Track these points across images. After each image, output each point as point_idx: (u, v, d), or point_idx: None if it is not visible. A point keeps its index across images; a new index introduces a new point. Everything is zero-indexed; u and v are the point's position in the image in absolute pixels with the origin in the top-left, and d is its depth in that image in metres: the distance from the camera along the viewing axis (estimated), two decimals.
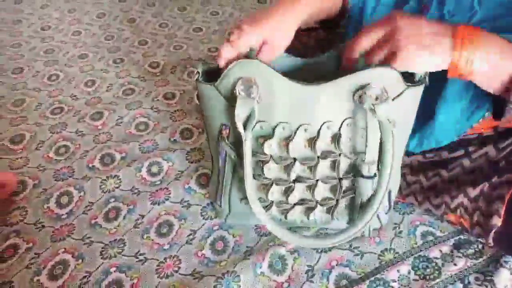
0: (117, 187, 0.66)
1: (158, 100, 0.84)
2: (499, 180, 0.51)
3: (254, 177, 0.48)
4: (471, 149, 0.56)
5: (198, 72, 0.46)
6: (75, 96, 0.87)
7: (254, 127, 0.44)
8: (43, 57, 1.00)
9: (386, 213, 0.58)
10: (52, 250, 0.57)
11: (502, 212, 0.50)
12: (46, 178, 0.68)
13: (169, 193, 0.65)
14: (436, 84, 0.47)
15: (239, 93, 0.43)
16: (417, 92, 0.44)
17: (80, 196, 0.65)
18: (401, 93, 0.42)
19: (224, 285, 0.51)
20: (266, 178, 0.49)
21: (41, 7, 1.22)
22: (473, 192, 0.53)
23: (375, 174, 0.47)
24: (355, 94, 0.42)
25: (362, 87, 0.41)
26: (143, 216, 0.62)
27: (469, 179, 0.55)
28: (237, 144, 0.48)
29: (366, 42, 0.43)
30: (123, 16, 1.16)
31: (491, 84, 0.43)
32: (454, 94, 0.50)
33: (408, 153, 0.60)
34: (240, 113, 0.42)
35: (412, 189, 0.61)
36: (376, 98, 0.41)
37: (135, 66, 0.95)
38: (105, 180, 0.67)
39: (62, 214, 0.62)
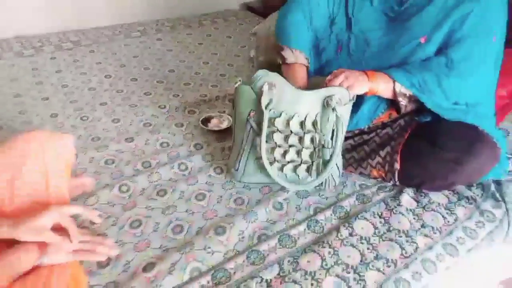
0: (159, 179, 0.97)
1: (170, 128, 1.18)
2: (394, 143, 0.93)
3: (266, 141, 0.85)
4: (379, 131, 0.98)
5: (240, 80, 0.84)
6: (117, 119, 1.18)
7: (270, 110, 0.82)
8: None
9: (338, 176, 0.96)
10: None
11: (398, 160, 0.91)
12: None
13: (197, 179, 0.97)
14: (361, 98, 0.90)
15: (265, 89, 0.81)
16: (351, 103, 0.86)
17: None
18: (347, 103, 0.84)
19: (252, 216, 0.84)
20: (273, 142, 0.86)
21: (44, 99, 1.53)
22: (382, 153, 0.95)
23: (331, 146, 0.86)
24: (324, 100, 0.83)
25: (329, 96, 0.82)
26: (183, 192, 0.93)
27: (380, 147, 0.96)
28: (258, 122, 0.85)
29: (336, 79, 0.85)
30: (128, 76, 1.51)
31: (386, 95, 0.88)
32: (369, 98, 0.93)
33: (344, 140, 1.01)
34: (264, 101, 0.81)
35: (350, 162, 1.01)
36: (336, 103, 0.82)
37: (148, 108, 1.29)
38: (150, 174, 0.98)
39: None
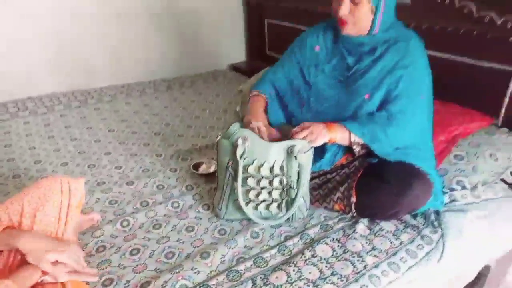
0: (155, 215, 1.15)
1: (165, 173, 1.38)
2: (350, 181, 1.13)
3: (242, 185, 1.04)
4: (339, 171, 1.19)
5: (219, 135, 1.05)
6: (120, 166, 1.37)
7: (244, 159, 1.02)
8: None
9: (306, 210, 1.15)
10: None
11: (354, 194, 1.11)
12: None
13: (187, 215, 1.16)
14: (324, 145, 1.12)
15: (239, 143, 1.02)
16: (311, 151, 1.07)
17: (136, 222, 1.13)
18: (307, 151, 1.05)
19: (233, 243, 1.02)
20: (248, 186, 1.06)
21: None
22: (342, 189, 1.14)
23: (296, 187, 1.06)
24: (288, 149, 1.04)
25: (292, 146, 1.04)
26: (175, 225, 1.11)
27: (340, 185, 1.16)
28: (235, 169, 1.05)
29: (301, 133, 1.07)
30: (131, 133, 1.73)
31: (344, 143, 1.10)
32: (331, 146, 1.15)
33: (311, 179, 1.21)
34: (239, 152, 1.01)
35: (316, 198, 1.20)
36: (298, 151, 1.03)
37: (147, 157, 1.49)
38: (147, 211, 1.16)
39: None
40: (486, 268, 1.31)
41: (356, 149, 1.13)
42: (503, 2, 1.28)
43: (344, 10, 1.07)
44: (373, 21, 1.09)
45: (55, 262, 0.80)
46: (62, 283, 0.82)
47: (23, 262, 0.83)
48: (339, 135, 1.10)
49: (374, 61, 1.14)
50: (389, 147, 1.11)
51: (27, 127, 1.74)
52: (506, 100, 1.37)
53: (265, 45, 2.49)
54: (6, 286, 0.73)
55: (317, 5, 1.92)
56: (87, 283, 0.89)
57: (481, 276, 1.30)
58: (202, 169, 1.37)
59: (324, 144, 1.12)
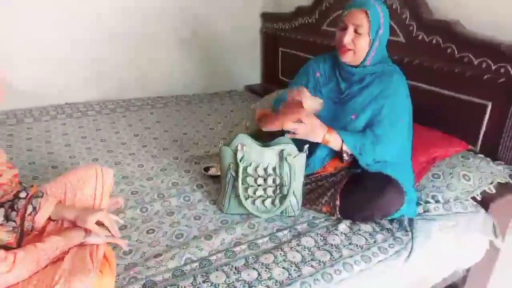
0: (169, 205, 1.36)
1: (180, 173, 1.60)
2: (336, 187, 1.32)
3: (242, 183, 1.25)
4: (328, 179, 1.38)
5: (221, 143, 1.27)
6: (141, 164, 1.60)
7: (243, 162, 1.24)
8: None
9: (298, 209, 1.34)
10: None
11: (338, 198, 1.30)
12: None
13: (196, 207, 1.36)
14: (317, 144, 1.31)
15: (239, 148, 1.23)
16: (303, 155, 1.27)
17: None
18: (296, 155, 1.26)
19: (232, 231, 1.21)
20: (247, 183, 1.26)
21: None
22: (329, 194, 1.33)
23: (287, 184, 1.27)
24: (279, 152, 1.25)
25: (282, 150, 1.25)
26: (186, 214, 1.31)
27: (327, 190, 1.35)
28: (236, 170, 1.26)
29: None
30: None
31: (335, 148, 1.29)
32: (321, 147, 1.35)
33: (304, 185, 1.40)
34: (239, 156, 1.23)
35: (307, 201, 1.39)
36: (288, 154, 1.24)
37: (165, 159, 1.72)
38: (163, 202, 1.37)
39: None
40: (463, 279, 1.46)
41: (345, 157, 1.33)
42: (479, 46, 1.48)
43: (348, 38, 1.28)
44: (367, 53, 1.31)
45: (98, 223, 1.01)
46: (92, 250, 1.03)
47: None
48: (334, 139, 1.28)
49: (362, 88, 1.35)
50: (371, 160, 1.31)
51: (64, 128, 2.00)
52: (483, 129, 1.55)
53: (278, 70, 2.74)
54: (55, 241, 0.94)
55: (322, 39, 2.19)
56: (114, 248, 1.09)
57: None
58: (212, 171, 1.58)
59: (317, 144, 1.32)
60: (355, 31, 1.28)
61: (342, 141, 1.29)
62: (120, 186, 1.47)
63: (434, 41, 1.65)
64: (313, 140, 1.29)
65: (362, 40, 1.28)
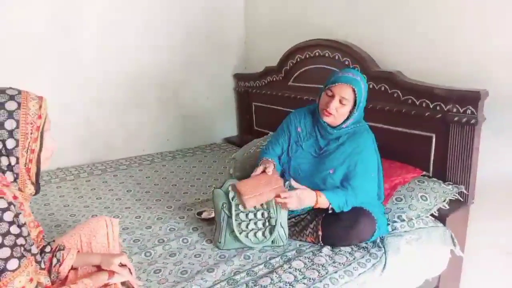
0: (170, 248, 1.51)
1: (175, 219, 1.76)
2: (317, 219, 1.53)
3: (235, 220, 1.44)
4: (310, 213, 1.59)
5: (214, 187, 1.48)
6: (138, 216, 1.74)
7: (235, 200, 1.44)
8: None
9: (286, 239, 1.52)
10: None
11: (320, 229, 1.50)
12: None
13: (195, 247, 1.52)
14: None
15: (230, 189, 1.44)
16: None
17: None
18: None
19: (231, 263, 1.38)
20: (240, 219, 1.46)
21: None
22: (312, 226, 1.54)
23: (274, 216, 1.47)
24: None
25: None
26: (186, 254, 1.47)
27: (310, 222, 1.55)
28: (229, 208, 1.45)
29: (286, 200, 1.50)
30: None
31: (324, 206, 1.47)
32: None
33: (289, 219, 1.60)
34: (230, 195, 1.44)
35: (293, 233, 1.58)
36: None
37: (160, 209, 1.88)
38: (164, 245, 1.52)
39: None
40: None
41: (330, 211, 1.49)
42: (418, 90, 1.82)
43: (333, 107, 1.47)
44: (346, 119, 1.52)
45: (120, 265, 1.15)
46: (115, 286, 1.16)
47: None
48: (322, 203, 1.46)
49: (338, 146, 1.57)
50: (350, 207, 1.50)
51: (59, 190, 2.13)
52: (432, 157, 1.84)
53: (253, 122, 3.03)
54: (85, 284, 1.08)
55: (289, 93, 2.53)
56: None
57: None
58: (204, 215, 1.76)
59: None
60: (340, 101, 1.48)
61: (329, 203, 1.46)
62: (122, 236, 1.60)
63: (382, 88, 1.98)
64: (307, 205, 1.46)
65: (345, 109, 1.48)
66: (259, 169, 1.53)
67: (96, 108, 2.56)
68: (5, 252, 0.87)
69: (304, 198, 1.44)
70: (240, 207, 1.47)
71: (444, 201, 1.68)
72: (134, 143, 2.77)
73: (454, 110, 1.69)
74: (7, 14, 2.18)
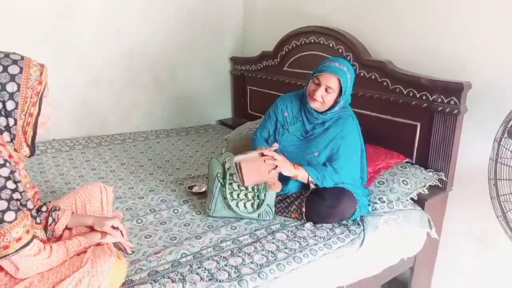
0: (161, 217, 1.59)
1: (167, 192, 1.83)
2: (302, 197, 1.61)
3: (228, 188, 1.52)
4: (294, 194, 1.67)
5: (211, 158, 1.55)
6: (132, 187, 1.81)
7: (230, 170, 1.51)
8: None
9: (272, 215, 1.60)
10: None
11: (304, 206, 1.58)
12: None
13: (184, 217, 1.59)
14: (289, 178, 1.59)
15: (226, 160, 1.52)
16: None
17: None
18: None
19: (218, 232, 1.46)
20: (232, 188, 1.54)
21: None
22: (296, 203, 1.62)
23: (265, 191, 1.55)
24: None
25: None
26: (176, 223, 1.54)
27: (295, 200, 1.63)
28: (223, 177, 1.54)
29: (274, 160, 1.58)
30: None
31: (303, 180, 1.56)
32: (294, 180, 1.62)
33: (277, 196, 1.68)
34: (227, 165, 1.52)
35: (279, 209, 1.66)
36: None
37: (152, 182, 1.95)
38: (155, 214, 1.59)
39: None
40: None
41: (312, 186, 1.58)
42: (406, 80, 1.89)
43: (319, 94, 1.54)
44: (332, 106, 1.59)
45: (113, 227, 1.23)
46: (108, 245, 1.23)
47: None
48: (301, 174, 1.54)
49: (323, 130, 1.64)
50: (332, 184, 1.58)
51: (55, 160, 2.19)
52: (416, 145, 1.93)
53: (247, 105, 3.09)
54: (79, 240, 1.15)
55: (284, 78, 2.59)
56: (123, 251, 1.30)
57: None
58: (195, 189, 1.83)
59: (289, 178, 1.59)
60: (326, 90, 1.55)
61: (308, 175, 1.55)
62: (115, 204, 1.67)
63: (373, 77, 2.05)
64: (286, 173, 1.52)
65: (330, 97, 1.56)
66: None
67: (94, 87, 2.61)
68: (3, 204, 0.93)
69: (287, 163, 1.52)
70: (235, 178, 1.53)
71: (424, 186, 1.76)
72: (129, 121, 2.82)
73: (439, 100, 1.77)
74: None
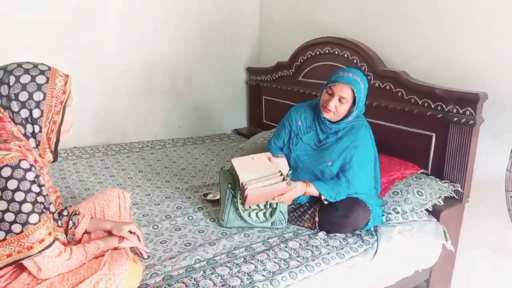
0: (176, 223, 1.62)
1: (183, 199, 1.87)
2: (315, 206, 1.62)
3: (240, 199, 1.54)
4: (307, 203, 1.68)
5: (222, 168, 1.58)
6: (148, 194, 1.86)
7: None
8: None
9: (285, 223, 1.62)
10: None
11: (317, 215, 1.59)
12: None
13: (199, 224, 1.63)
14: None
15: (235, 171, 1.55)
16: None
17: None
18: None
19: (231, 239, 1.48)
20: None
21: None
22: (310, 212, 1.63)
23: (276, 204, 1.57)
24: None
25: None
26: (191, 229, 1.57)
27: (308, 209, 1.64)
28: (233, 189, 1.56)
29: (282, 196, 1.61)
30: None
31: (316, 195, 1.57)
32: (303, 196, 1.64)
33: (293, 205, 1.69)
34: (236, 177, 1.53)
35: (292, 218, 1.67)
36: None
37: (168, 189, 1.99)
38: (170, 221, 1.63)
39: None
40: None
41: (325, 201, 1.58)
42: (421, 90, 1.89)
43: (332, 105, 1.55)
44: (345, 116, 1.60)
45: (130, 232, 1.27)
46: (125, 249, 1.27)
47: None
48: (313, 191, 1.56)
49: (336, 140, 1.65)
50: (345, 196, 1.58)
51: (75, 167, 2.26)
52: (431, 155, 1.91)
53: (262, 115, 3.12)
54: (98, 244, 1.19)
55: (298, 88, 2.62)
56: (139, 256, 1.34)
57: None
58: (210, 197, 1.86)
59: None
60: (339, 100, 1.56)
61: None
62: (132, 210, 1.72)
63: (387, 87, 2.06)
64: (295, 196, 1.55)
65: (343, 107, 1.57)
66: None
67: (113, 96, 2.69)
68: (28, 207, 0.98)
69: (296, 193, 1.53)
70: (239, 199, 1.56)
71: (439, 197, 1.75)
72: (147, 128, 2.89)
73: (454, 110, 1.76)
74: (35, 1, 2.31)
